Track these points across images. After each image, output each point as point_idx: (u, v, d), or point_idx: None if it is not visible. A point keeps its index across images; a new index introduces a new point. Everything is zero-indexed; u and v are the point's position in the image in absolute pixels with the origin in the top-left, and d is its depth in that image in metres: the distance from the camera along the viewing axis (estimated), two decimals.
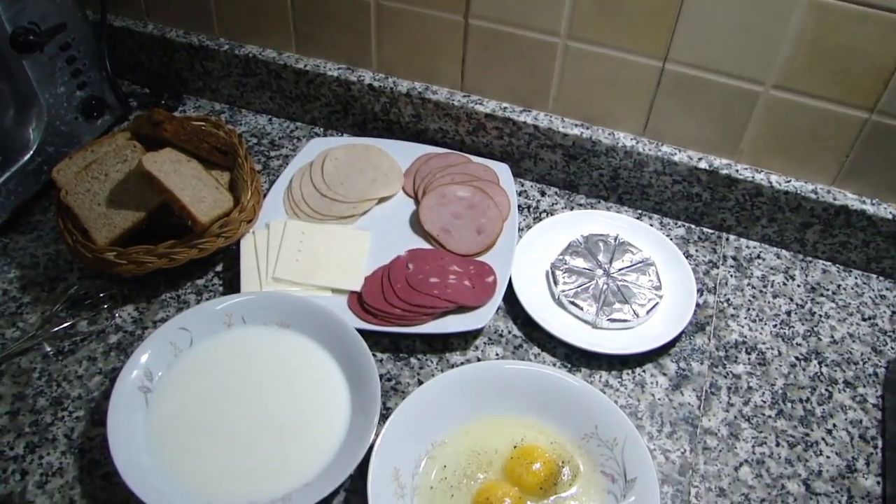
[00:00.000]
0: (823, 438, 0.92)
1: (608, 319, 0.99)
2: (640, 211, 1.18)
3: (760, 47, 0.97)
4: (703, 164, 1.09)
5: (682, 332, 1.00)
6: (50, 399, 0.92)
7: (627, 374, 0.97)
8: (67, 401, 0.91)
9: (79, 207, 0.99)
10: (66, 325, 0.98)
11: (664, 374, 0.97)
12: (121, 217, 0.99)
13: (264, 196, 1.12)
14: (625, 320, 0.99)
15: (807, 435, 0.92)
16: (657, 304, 1.01)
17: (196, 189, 0.99)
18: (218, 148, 1.07)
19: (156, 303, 1.02)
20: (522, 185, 1.21)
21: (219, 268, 1.07)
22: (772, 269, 1.11)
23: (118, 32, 1.30)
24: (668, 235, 1.12)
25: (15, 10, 1.02)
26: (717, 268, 1.10)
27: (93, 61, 1.18)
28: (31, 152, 1.10)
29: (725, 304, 1.06)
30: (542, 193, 1.20)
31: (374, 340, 0.97)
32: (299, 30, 1.21)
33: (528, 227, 1.12)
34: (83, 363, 0.95)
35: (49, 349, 0.96)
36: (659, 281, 1.04)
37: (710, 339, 1.01)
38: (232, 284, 1.04)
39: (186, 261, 0.98)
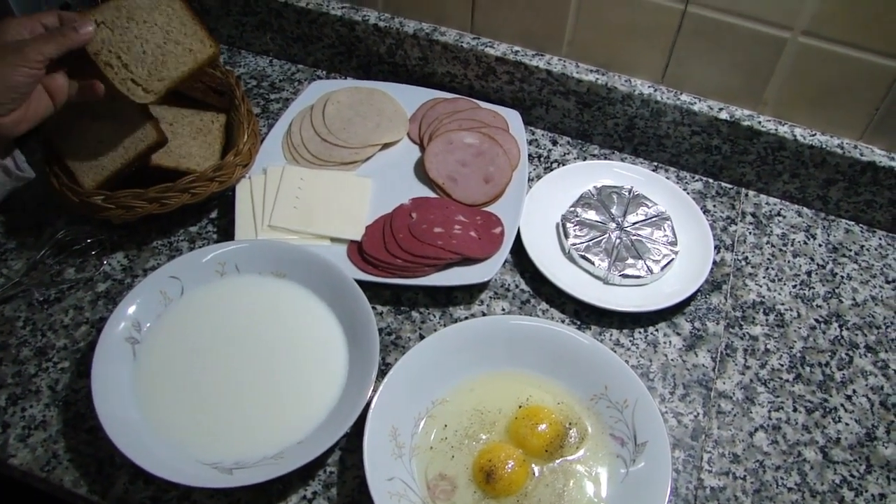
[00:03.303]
0: (842, 405, 0.89)
1: (620, 275, 0.95)
2: (656, 163, 1.14)
3: None
4: (723, 115, 1.04)
5: (698, 291, 0.96)
6: (34, 349, 0.89)
7: (639, 332, 0.93)
8: (52, 351, 0.88)
9: (65, 148, 0.94)
10: (52, 272, 0.94)
11: (678, 334, 0.93)
12: (108, 159, 0.94)
13: (262, 140, 1.08)
14: (638, 276, 0.96)
15: (825, 401, 0.89)
16: (672, 260, 0.97)
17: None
18: (213, 88, 1.03)
19: (146, 250, 0.98)
20: (533, 134, 1.17)
21: (213, 214, 1.03)
22: (792, 227, 1.07)
23: None
24: (684, 189, 1.09)
25: None
26: (736, 224, 1.06)
27: None
28: None
29: (743, 263, 1.02)
30: (554, 142, 1.16)
31: (374, 292, 0.94)
32: None
33: (539, 177, 1.08)
34: (69, 312, 0.92)
35: (35, 296, 0.93)
36: (674, 236, 1.00)
37: (726, 299, 0.97)
38: (226, 232, 1.01)
39: (179, 206, 0.94)
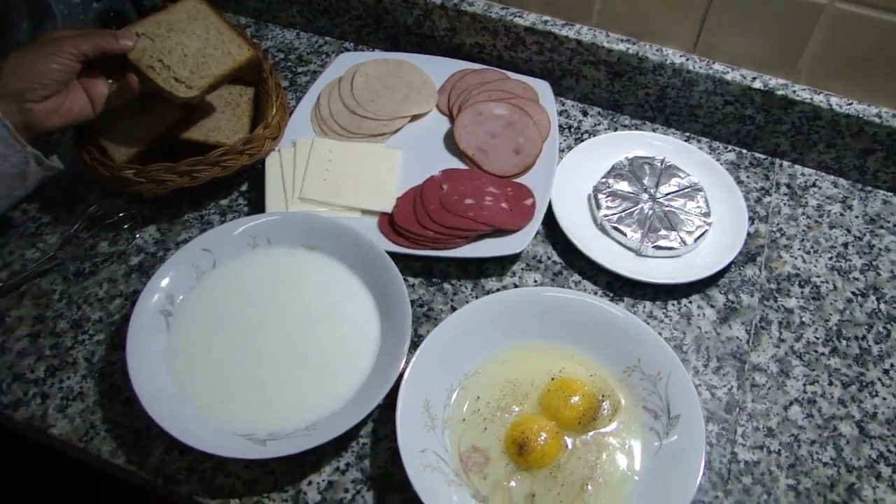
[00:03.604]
0: (879, 379, 0.87)
1: (653, 246, 0.94)
2: (688, 133, 1.12)
3: None
4: (757, 84, 1.02)
5: (732, 263, 0.95)
6: (70, 322, 0.89)
7: (673, 304, 0.92)
8: (88, 324, 0.89)
9: (96, 124, 0.94)
10: (85, 245, 0.95)
11: (712, 307, 0.92)
12: (139, 133, 0.94)
13: (291, 113, 1.07)
14: (671, 248, 0.94)
15: (862, 374, 0.88)
16: (706, 231, 0.96)
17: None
18: None
19: (178, 223, 0.99)
20: (563, 104, 1.15)
21: (244, 187, 1.03)
22: (828, 198, 1.05)
23: None
24: (717, 160, 1.07)
25: None
26: (770, 195, 1.04)
27: None
28: None
29: (778, 234, 1.00)
30: (585, 113, 1.14)
31: (405, 264, 0.93)
32: None
33: (569, 148, 1.07)
34: (104, 285, 0.93)
35: (70, 270, 0.93)
36: (708, 207, 0.99)
37: (761, 271, 0.96)
38: (257, 204, 1.01)
39: (209, 179, 0.94)
